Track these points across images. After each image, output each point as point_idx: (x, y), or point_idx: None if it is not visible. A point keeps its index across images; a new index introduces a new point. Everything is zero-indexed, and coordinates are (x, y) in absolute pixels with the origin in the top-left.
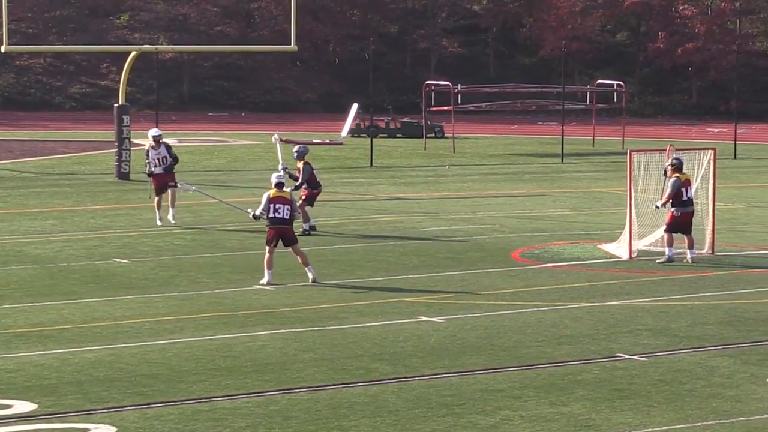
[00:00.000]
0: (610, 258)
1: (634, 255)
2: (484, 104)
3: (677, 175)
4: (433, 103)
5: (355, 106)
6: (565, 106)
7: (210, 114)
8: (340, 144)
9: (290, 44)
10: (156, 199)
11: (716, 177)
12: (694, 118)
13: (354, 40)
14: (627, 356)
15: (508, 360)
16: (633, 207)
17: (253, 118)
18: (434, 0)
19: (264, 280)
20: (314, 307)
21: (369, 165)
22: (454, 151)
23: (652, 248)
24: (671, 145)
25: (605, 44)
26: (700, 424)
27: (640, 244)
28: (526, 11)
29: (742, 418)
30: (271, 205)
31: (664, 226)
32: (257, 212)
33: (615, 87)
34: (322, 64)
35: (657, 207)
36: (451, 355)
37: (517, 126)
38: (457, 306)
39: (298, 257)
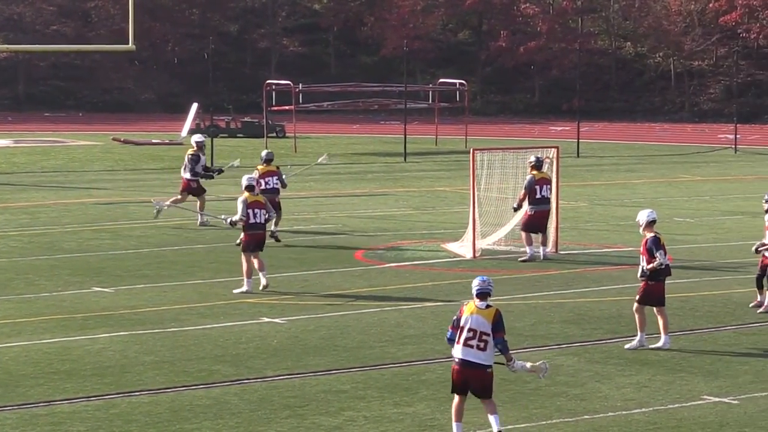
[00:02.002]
0: (454, 257)
1: (477, 254)
2: (325, 103)
3: (533, 173)
4: (274, 103)
5: (194, 106)
6: (408, 105)
7: (46, 114)
8: (180, 144)
9: (128, 44)
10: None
11: (559, 175)
12: (537, 117)
13: (193, 40)
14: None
15: (351, 360)
16: (476, 206)
17: (91, 119)
18: None
19: (243, 289)
20: (154, 309)
21: (210, 165)
22: (295, 151)
23: (496, 247)
24: (547, 157)
25: (447, 43)
26: (544, 422)
27: (483, 244)
28: (368, 10)
29: (587, 417)
30: (250, 211)
31: (521, 225)
32: (235, 218)
33: (457, 86)
34: (161, 64)
35: (514, 209)
36: (293, 356)
37: (360, 125)
38: (299, 307)
39: (256, 261)
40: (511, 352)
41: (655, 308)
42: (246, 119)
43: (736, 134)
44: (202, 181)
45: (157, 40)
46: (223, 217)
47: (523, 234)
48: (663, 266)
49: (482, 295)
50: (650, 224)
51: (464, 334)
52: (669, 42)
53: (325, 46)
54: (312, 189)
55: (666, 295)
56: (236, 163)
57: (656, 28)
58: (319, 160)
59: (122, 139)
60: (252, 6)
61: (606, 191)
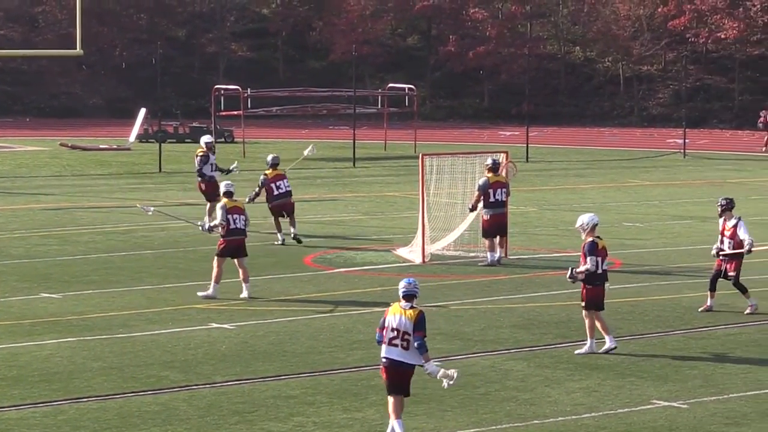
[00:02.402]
0: (403, 262)
1: (427, 259)
2: (274, 108)
3: (488, 175)
4: (222, 108)
5: (143, 111)
6: (357, 110)
7: None
8: (128, 149)
9: (76, 48)
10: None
11: (509, 180)
12: (486, 122)
13: (141, 44)
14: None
15: (300, 366)
16: (425, 211)
17: (39, 124)
18: (222, 4)
19: (209, 293)
20: (103, 315)
21: (158, 170)
22: (244, 156)
23: (445, 252)
24: (510, 161)
25: (396, 48)
26: (494, 427)
27: (432, 249)
28: (316, 15)
29: (536, 421)
30: (229, 216)
31: (482, 232)
32: (213, 224)
33: (406, 91)
34: (109, 69)
35: (469, 209)
36: (242, 362)
37: (309, 130)
38: (248, 312)
39: (241, 271)
40: (429, 353)
41: (592, 312)
42: (194, 124)
43: (684, 139)
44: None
45: (105, 45)
46: (199, 223)
47: (486, 240)
48: (590, 272)
49: (408, 296)
50: (593, 228)
51: (389, 334)
52: (618, 47)
53: (273, 51)
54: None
55: (617, 300)
56: (234, 167)
57: (605, 33)
58: (305, 152)
59: (70, 145)
60: (200, 11)
61: (555, 196)
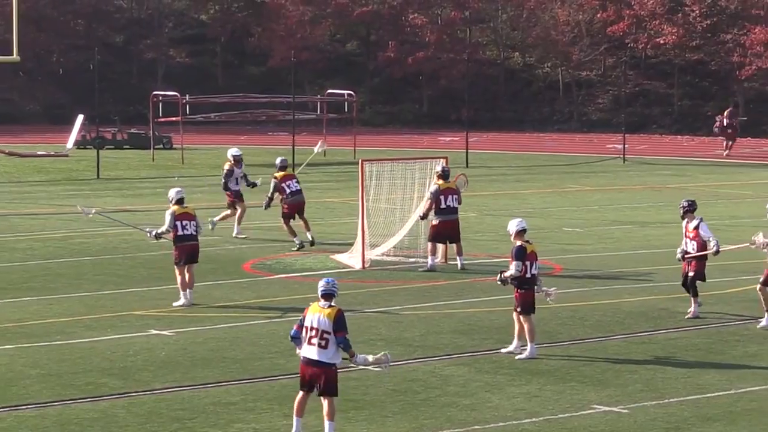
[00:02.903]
0: (343, 268)
1: (367, 265)
2: (213, 115)
3: (439, 182)
4: (160, 114)
5: (80, 117)
6: (296, 116)
7: None
8: (66, 156)
9: (12, 54)
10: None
11: None
12: (426, 127)
13: (79, 51)
14: (361, 366)
15: (240, 372)
16: (365, 217)
17: None
18: (161, 10)
19: (181, 302)
20: (41, 321)
21: (96, 177)
22: (183, 162)
23: (385, 258)
24: (462, 174)
25: (335, 54)
26: None
27: (372, 254)
28: (255, 21)
29: (477, 427)
30: (178, 223)
31: (428, 236)
32: (160, 231)
33: (345, 97)
34: (46, 75)
35: (420, 217)
36: (182, 369)
37: (248, 136)
38: (188, 319)
39: (188, 275)
40: (353, 349)
41: (522, 316)
42: (132, 131)
43: (624, 144)
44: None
45: (42, 51)
46: (147, 229)
47: (429, 244)
48: (519, 276)
49: (326, 296)
50: (519, 233)
51: (308, 333)
52: (557, 52)
53: (212, 57)
54: (200, 200)
55: (557, 305)
56: (258, 182)
57: (544, 39)
58: (316, 149)
59: (7, 151)
60: (138, 17)
61: (495, 201)
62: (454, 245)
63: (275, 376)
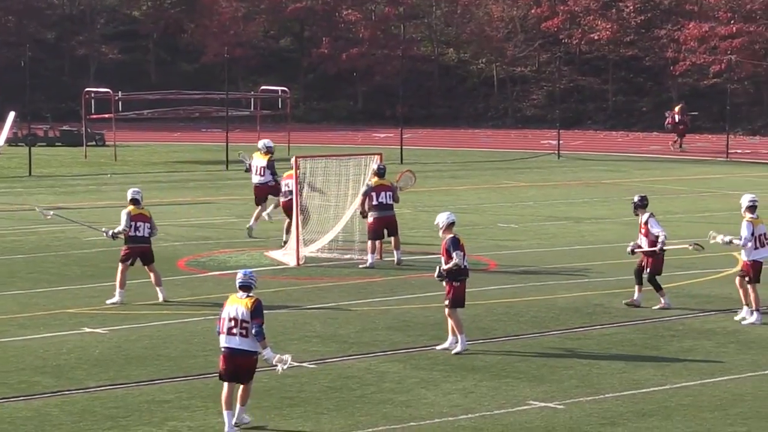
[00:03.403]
0: (278, 265)
1: (301, 262)
2: (146, 111)
3: (373, 179)
4: (93, 111)
5: (12, 115)
6: (230, 113)
7: None
8: None
9: None
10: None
11: None
12: (360, 124)
13: (9, 47)
14: (296, 363)
15: (174, 370)
16: (299, 213)
17: None
18: (92, 6)
19: (115, 300)
20: None
21: (28, 174)
22: (116, 159)
23: (320, 255)
24: (409, 170)
25: (269, 50)
26: (370, 429)
27: (307, 251)
28: (188, 17)
29: (413, 423)
30: (132, 223)
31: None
32: (116, 230)
33: (279, 93)
34: None
35: (361, 215)
36: (116, 367)
37: (181, 133)
38: (121, 316)
39: (152, 275)
40: (266, 340)
41: (448, 309)
42: (65, 128)
43: (559, 140)
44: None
45: None
46: (103, 229)
47: (369, 242)
48: (460, 267)
49: (244, 287)
50: (449, 226)
51: (226, 324)
52: (492, 48)
53: (144, 54)
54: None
55: (492, 301)
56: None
57: (479, 35)
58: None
59: None
60: (70, 13)
61: (430, 198)
62: (392, 239)
63: (210, 373)
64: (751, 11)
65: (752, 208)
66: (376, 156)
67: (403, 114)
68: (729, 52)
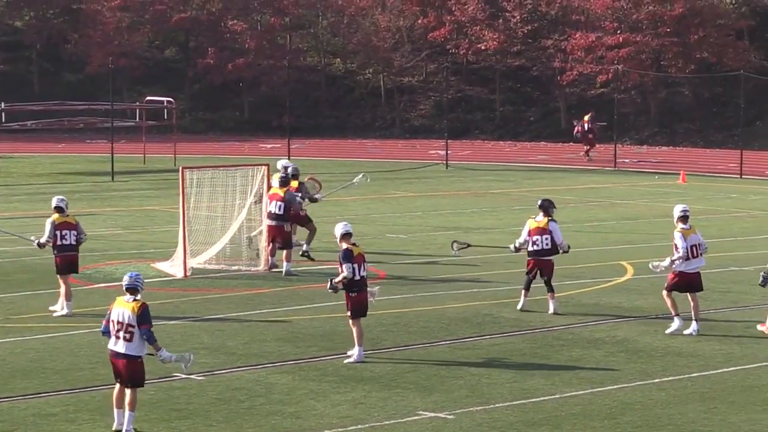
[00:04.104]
0: (165, 277)
1: (188, 273)
2: (29, 123)
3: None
4: None
5: None
6: (114, 124)
7: None
8: None
9: None
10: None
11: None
12: (247, 134)
13: None
14: (184, 376)
15: (61, 383)
16: (186, 225)
17: None
18: None
19: (64, 312)
20: None
21: None
22: None
23: (207, 266)
24: (312, 178)
25: (154, 60)
26: None
27: (194, 262)
28: (71, 27)
29: None
30: (57, 232)
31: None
32: (42, 240)
33: (165, 104)
34: None
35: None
36: (0, 380)
37: (65, 144)
38: (5, 329)
39: (66, 289)
40: (158, 342)
41: (351, 320)
42: None
43: (447, 150)
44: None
45: None
46: (32, 238)
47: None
48: (349, 279)
49: (130, 290)
50: (345, 236)
51: (114, 327)
52: (379, 58)
53: (27, 64)
54: (17, 210)
55: (381, 311)
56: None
57: (366, 45)
58: (355, 180)
59: None
60: None
61: (318, 208)
62: (284, 251)
63: (96, 386)
64: (637, 21)
65: (684, 219)
66: (263, 167)
67: (290, 124)
68: (616, 61)
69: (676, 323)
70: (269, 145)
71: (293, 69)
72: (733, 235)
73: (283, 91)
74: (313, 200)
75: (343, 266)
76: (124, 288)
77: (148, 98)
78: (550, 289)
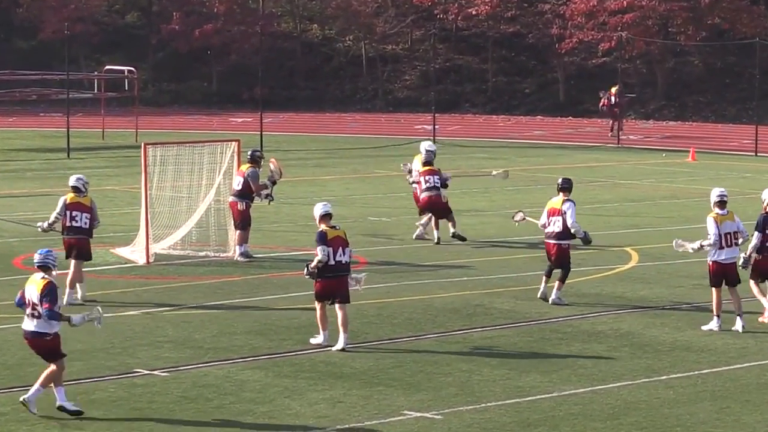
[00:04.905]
0: (125, 263)
1: (151, 259)
2: None
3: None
4: None
5: None
6: (70, 95)
7: None
8: None
9: None
10: None
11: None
12: (216, 107)
13: None
14: (147, 371)
15: (12, 380)
16: (149, 207)
17: None
18: None
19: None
20: None
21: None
22: None
23: (172, 252)
24: (274, 159)
25: (114, 26)
26: None
27: (157, 248)
28: None
29: None
30: (68, 212)
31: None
32: (49, 221)
33: (126, 73)
34: None
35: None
36: None
37: (17, 117)
38: None
39: (72, 275)
40: (68, 315)
41: (337, 305)
42: None
43: (434, 124)
44: None
45: None
46: (39, 224)
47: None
48: (325, 263)
49: (41, 267)
50: (324, 218)
51: (26, 305)
52: (360, 24)
53: None
54: None
55: (362, 302)
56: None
57: (345, 9)
58: (494, 173)
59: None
60: None
61: (293, 189)
62: (237, 232)
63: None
64: None
65: (721, 204)
66: (233, 143)
67: (262, 96)
68: (619, 28)
69: (712, 323)
70: (240, 119)
71: (266, 36)
72: (747, 219)
73: (255, 60)
74: (274, 183)
75: (317, 249)
76: (36, 266)
77: (107, 67)
78: (559, 278)
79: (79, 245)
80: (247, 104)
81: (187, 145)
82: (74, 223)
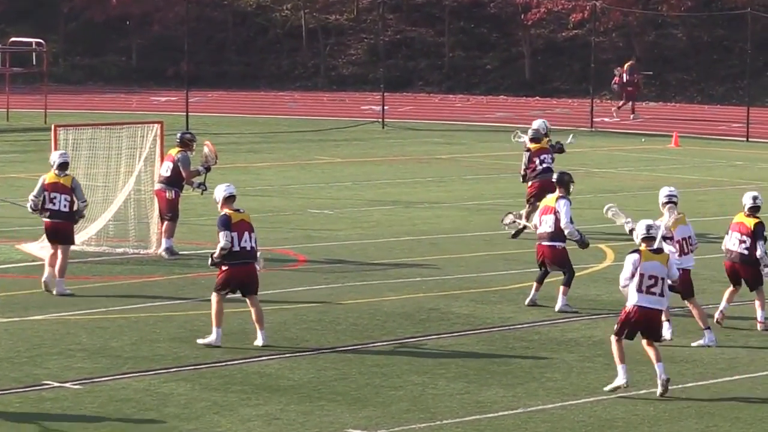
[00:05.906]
0: (33, 261)
1: None
2: None
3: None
4: None
5: None
6: None
7: None
8: None
9: None
10: None
11: (163, 158)
12: (136, 85)
13: None
14: (57, 384)
15: None
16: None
17: None
18: None
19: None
20: None
21: None
22: None
23: (86, 248)
24: (208, 142)
25: None
26: None
27: None
28: None
29: None
30: (46, 194)
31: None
32: (30, 204)
33: (33, 46)
34: None
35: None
36: None
37: None
38: None
39: (60, 260)
40: None
41: (248, 299)
42: None
43: (383, 105)
44: None
45: None
46: (29, 205)
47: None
48: (228, 250)
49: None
50: (227, 200)
51: None
52: None
53: None
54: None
55: (301, 305)
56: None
57: None
58: (569, 140)
59: None
60: None
61: (223, 177)
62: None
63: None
64: None
65: (670, 204)
66: (156, 125)
67: (188, 73)
68: None
69: (705, 337)
70: (163, 98)
71: (192, 4)
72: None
73: (180, 31)
74: (208, 169)
75: (220, 234)
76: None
77: (12, 39)
78: (563, 282)
79: (56, 228)
80: (171, 81)
81: (103, 127)
82: (52, 206)
